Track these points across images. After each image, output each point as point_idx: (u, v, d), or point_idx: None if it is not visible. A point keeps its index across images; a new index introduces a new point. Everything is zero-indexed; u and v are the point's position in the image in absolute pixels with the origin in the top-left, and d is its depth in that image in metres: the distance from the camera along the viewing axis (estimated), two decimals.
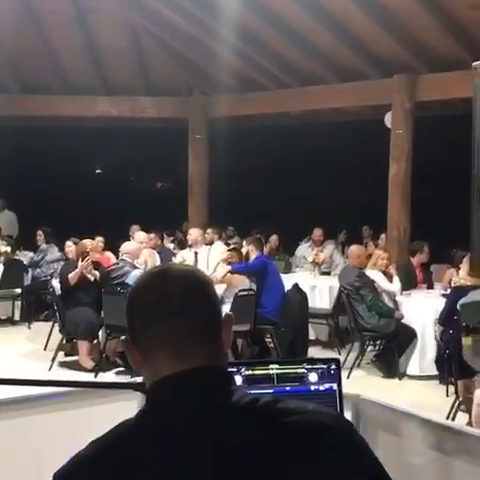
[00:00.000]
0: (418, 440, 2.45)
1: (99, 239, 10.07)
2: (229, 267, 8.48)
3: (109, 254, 9.91)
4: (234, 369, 2.44)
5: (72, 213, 14.79)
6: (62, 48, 11.50)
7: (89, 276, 7.92)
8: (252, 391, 2.46)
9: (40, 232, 11.37)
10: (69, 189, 15.77)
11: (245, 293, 7.96)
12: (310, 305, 8.87)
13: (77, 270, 7.81)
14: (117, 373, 7.87)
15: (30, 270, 10.93)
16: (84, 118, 12.53)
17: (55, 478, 1.26)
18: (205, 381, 1.30)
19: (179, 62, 11.69)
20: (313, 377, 2.48)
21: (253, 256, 8.49)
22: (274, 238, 12.01)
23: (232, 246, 9.41)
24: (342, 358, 8.42)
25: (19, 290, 10.62)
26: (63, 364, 8.31)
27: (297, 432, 1.24)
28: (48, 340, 8.80)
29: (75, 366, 8.11)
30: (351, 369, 8.05)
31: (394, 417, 2.53)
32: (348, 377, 7.89)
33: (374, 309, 8.04)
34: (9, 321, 10.70)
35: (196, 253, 9.86)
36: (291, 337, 8.30)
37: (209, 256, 9.87)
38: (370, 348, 8.82)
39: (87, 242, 8.94)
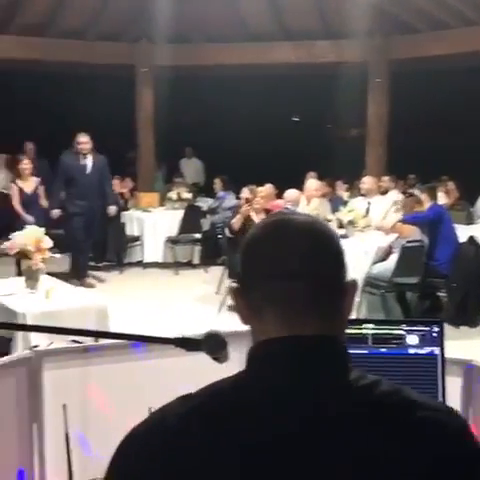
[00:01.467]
0: None
1: (268, 186, 10.11)
2: (399, 216, 8.17)
3: (281, 202, 9.91)
4: None
5: (256, 161, 14.94)
6: None
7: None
8: None
9: (217, 180, 11.67)
10: (254, 137, 15.94)
11: (414, 244, 7.63)
12: None
13: (238, 216, 7.91)
14: None
15: (208, 216, 11.30)
16: (263, 65, 12.49)
17: (132, 434, 1.16)
18: (319, 353, 1.16)
19: (359, 3, 11.24)
20: (412, 339, 2.30)
21: (427, 205, 8.10)
22: (450, 184, 11.36)
23: (408, 194, 8.99)
24: None
25: (198, 235, 11.00)
26: (232, 308, 8.53)
27: (420, 431, 1.09)
28: (220, 284, 9.07)
29: None
30: None
31: None
32: None
33: None
34: (189, 265, 11.17)
35: (369, 203, 9.63)
36: (463, 293, 7.86)
37: (382, 206, 9.58)
38: None
39: (258, 189, 9.06)
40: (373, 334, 2.31)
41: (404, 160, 12.08)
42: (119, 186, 11.80)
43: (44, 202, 9.50)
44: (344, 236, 8.56)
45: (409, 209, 8.05)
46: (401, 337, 2.30)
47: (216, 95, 14.48)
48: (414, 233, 7.81)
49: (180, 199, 11.54)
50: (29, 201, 9.35)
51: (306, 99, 14.54)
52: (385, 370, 2.30)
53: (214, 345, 1.53)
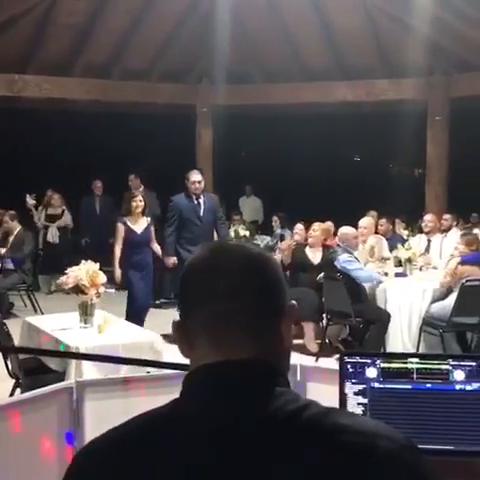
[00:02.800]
0: None
1: (328, 223, 10.09)
2: (458, 258, 8.00)
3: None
4: (368, 360, 2.27)
5: (316, 199, 14.92)
6: (299, 33, 11.61)
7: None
8: (388, 386, 2.28)
9: (275, 218, 11.68)
10: (314, 175, 15.95)
11: (474, 283, 7.42)
12: None
13: (286, 252, 7.82)
14: (338, 360, 7.74)
15: None
16: (322, 104, 12.53)
17: (76, 456, 1.19)
18: (244, 378, 1.12)
19: (418, 41, 11.21)
20: (459, 375, 2.22)
21: None
22: None
23: (463, 232, 8.79)
24: None
25: None
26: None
27: (343, 456, 1.03)
28: None
29: (300, 349, 8.15)
30: None
31: None
32: None
33: None
34: None
35: (429, 240, 9.48)
36: None
37: (442, 244, 9.42)
38: None
39: (314, 224, 9.08)
40: (418, 368, 2.25)
41: (464, 199, 11.86)
42: None
43: (155, 246, 8.23)
44: (402, 274, 8.44)
45: (468, 248, 7.84)
46: (447, 372, 2.23)
47: (275, 134, 14.56)
48: (475, 272, 7.61)
49: (238, 237, 11.58)
50: (140, 243, 7.99)
51: (366, 137, 14.49)
52: (429, 406, 2.22)
53: None
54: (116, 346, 5.26)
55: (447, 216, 10.31)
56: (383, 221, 10.36)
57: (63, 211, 11.94)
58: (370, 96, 12.09)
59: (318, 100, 12.35)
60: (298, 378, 2.77)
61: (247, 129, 13.96)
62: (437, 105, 11.75)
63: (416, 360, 2.25)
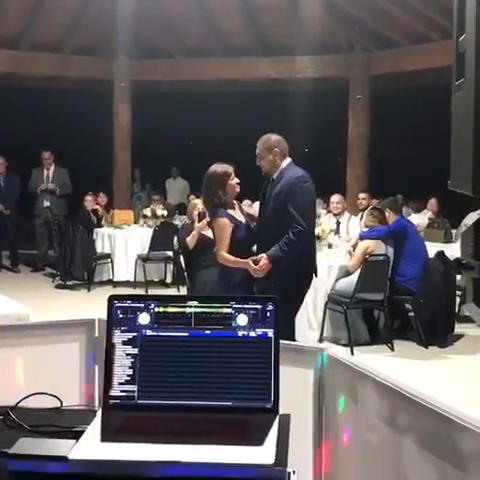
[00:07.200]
0: (374, 408, 1.82)
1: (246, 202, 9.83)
2: (357, 237, 7.85)
3: None
4: (141, 304, 1.96)
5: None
6: (218, 9, 11.28)
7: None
8: (162, 333, 1.98)
9: (192, 196, 11.36)
10: (236, 153, 15.60)
11: (377, 258, 7.24)
12: None
13: (194, 232, 7.07)
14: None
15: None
16: (243, 80, 12.22)
17: None
18: None
19: (339, 17, 11.00)
20: (242, 319, 1.93)
21: (391, 220, 7.72)
22: (432, 202, 11.00)
23: (371, 207, 8.60)
24: None
25: (171, 253, 10.60)
26: None
27: None
28: None
29: None
30: None
31: (353, 378, 1.92)
32: None
33: None
34: (162, 283, 10.81)
35: (338, 222, 9.28)
36: (431, 311, 7.43)
37: (349, 224, 9.26)
38: None
39: (197, 201, 8.67)
40: (197, 313, 1.95)
41: (385, 179, 11.70)
42: (93, 202, 11.47)
43: None
44: None
45: (371, 223, 7.66)
46: (229, 316, 1.94)
47: (195, 110, 14.17)
48: (378, 247, 7.40)
49: (155, 216, 11.21)
50: (247, 238, 5.13)
51: (287, 115, 14.20)
52: (207, 356, 1.93)
53: None
54: None
55: (363, 195, 10.10)
56: None
57: None
58: (292, 73, 11.82)
59: (239, 76, 12.04)
60: (96, 334, 2.46)
61: (167, 106, 13.53)
62: (358, 83, 11.54)
63: (195, 303, 1.96)
